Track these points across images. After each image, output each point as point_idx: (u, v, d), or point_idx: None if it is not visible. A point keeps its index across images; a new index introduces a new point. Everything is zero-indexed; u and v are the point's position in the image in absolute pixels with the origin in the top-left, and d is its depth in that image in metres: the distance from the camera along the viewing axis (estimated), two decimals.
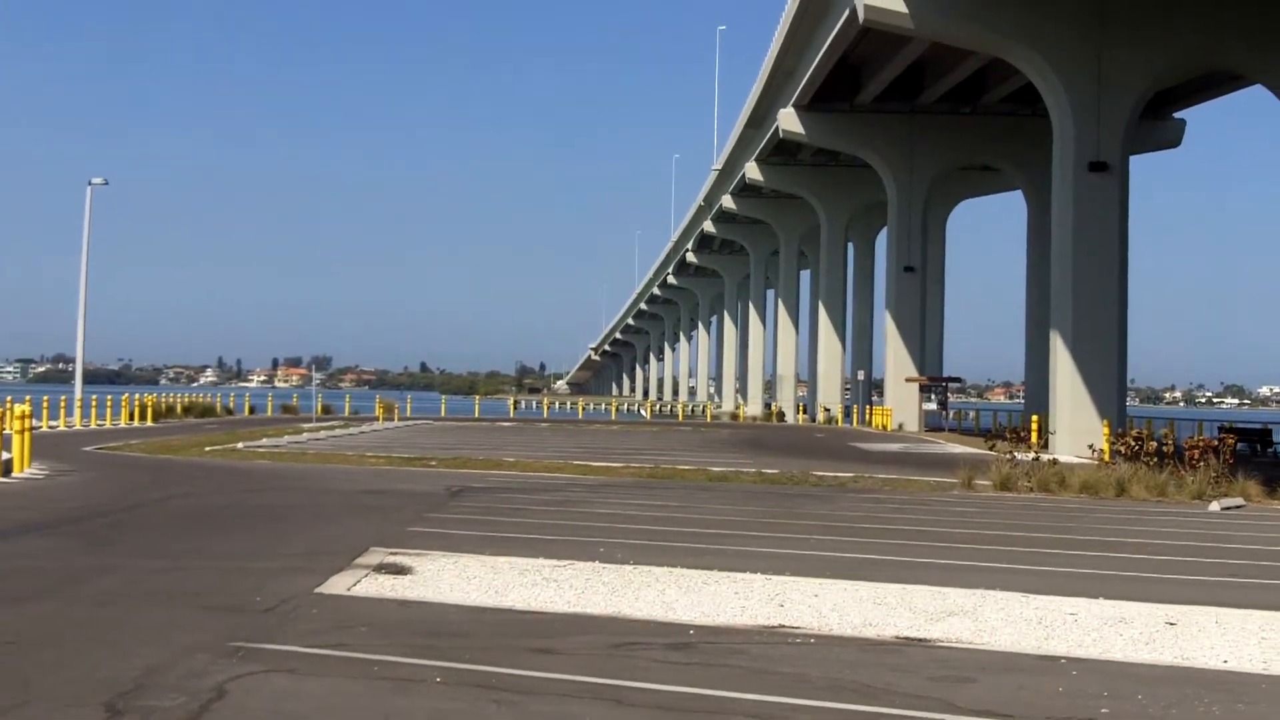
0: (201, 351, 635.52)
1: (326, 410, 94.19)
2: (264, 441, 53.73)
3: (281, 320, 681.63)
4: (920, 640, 15.09)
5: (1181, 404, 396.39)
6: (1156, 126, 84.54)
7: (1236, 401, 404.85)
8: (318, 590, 17.56)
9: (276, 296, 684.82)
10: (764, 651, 14.40)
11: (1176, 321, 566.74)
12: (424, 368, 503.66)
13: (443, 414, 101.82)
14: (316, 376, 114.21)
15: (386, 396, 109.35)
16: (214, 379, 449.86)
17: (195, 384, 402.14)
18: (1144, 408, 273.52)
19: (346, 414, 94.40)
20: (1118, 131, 57.25)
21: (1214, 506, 32.97)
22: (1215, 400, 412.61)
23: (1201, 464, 36.65)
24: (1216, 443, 38.28)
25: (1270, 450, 62.33)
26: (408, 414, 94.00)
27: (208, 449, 49.27)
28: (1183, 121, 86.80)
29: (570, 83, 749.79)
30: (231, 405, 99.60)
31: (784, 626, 15.73)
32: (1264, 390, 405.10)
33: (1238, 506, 33.51)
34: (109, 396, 77.64)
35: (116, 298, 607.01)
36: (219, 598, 17.06)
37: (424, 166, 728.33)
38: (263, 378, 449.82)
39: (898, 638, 15.22)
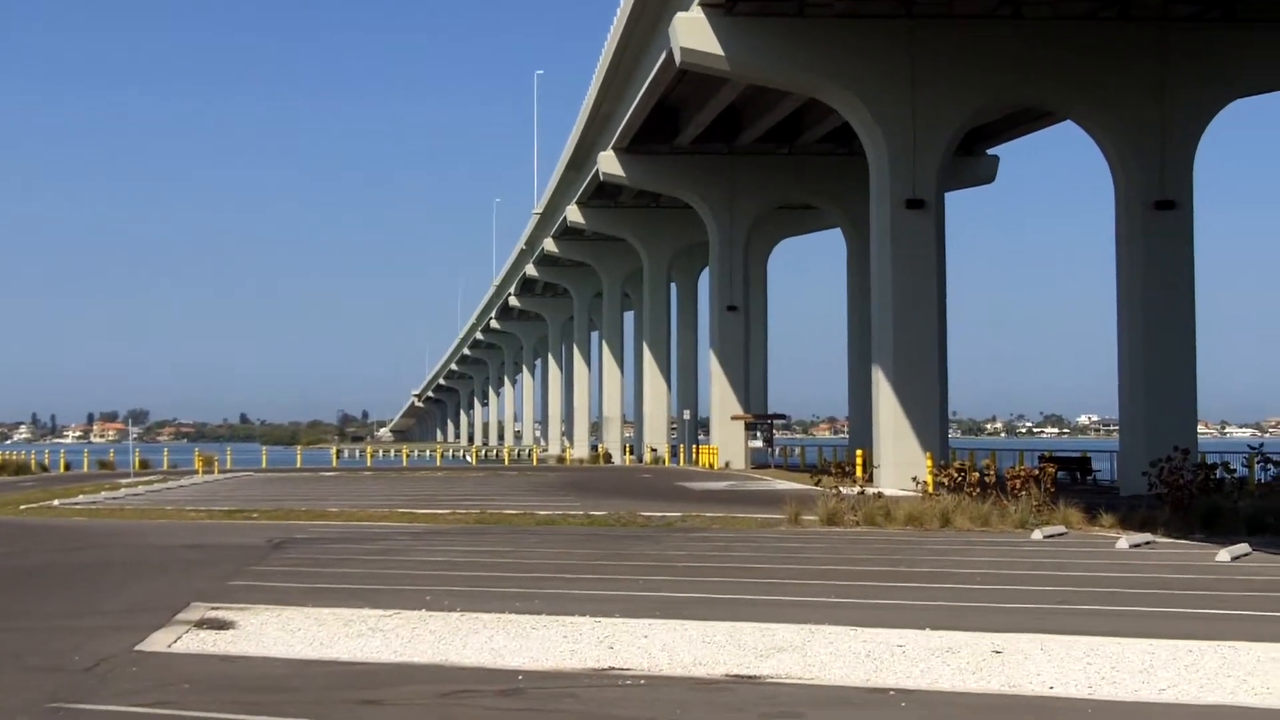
0: (14, 408, 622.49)
1: (144, 465, 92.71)
2: (80, 498, 52.71)
3: (96, 375, 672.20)
4: (750, 677, 15.07)
5: (1003, 434, 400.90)
6: (971, 163, 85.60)
7: (1056, 431, 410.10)
8: (138, 648, 17.24)
9: (90, 351, 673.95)
10: (594, 694, 14.32)
11: (997, 353, 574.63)
12: (244, 419, 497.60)
13: (264, 465, 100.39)
14: (133, 431, 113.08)
15: (206, 449, 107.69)
16: (27, 436, 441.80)
17: (8, 441, 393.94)
18: (966, 439, 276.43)
19: (165, 468, 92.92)
20: (932, 169, 57.90)
21: (1037, 535, 33.35)
22: (1036, 430, 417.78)
23: (1023, 493, 37.06)
24: (1037, 472, 38.70)
25: (1090, 478, 63.19)
26: (228, 466, 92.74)
27: (23, 507, 48.22)
28: (996, 158, 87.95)
29: (386, 125, 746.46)
30: (46, 462, 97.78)
31: (614, 669, 15.64)
32: (1083, 419, 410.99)
33: (1060, 534, 33.90)
34: None
35: None
36: (36, 658, 16.70)
37: (237, 213, 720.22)
38: (78, 434, 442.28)
39: (728, 675, 15.19)
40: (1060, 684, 14.50)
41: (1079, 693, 14.11)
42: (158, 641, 17.73)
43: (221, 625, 18.99)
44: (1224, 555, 27.72)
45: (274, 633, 18.38)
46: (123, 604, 21.67)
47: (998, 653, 16.24)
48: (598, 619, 19.12)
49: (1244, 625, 18.71)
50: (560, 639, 17.56)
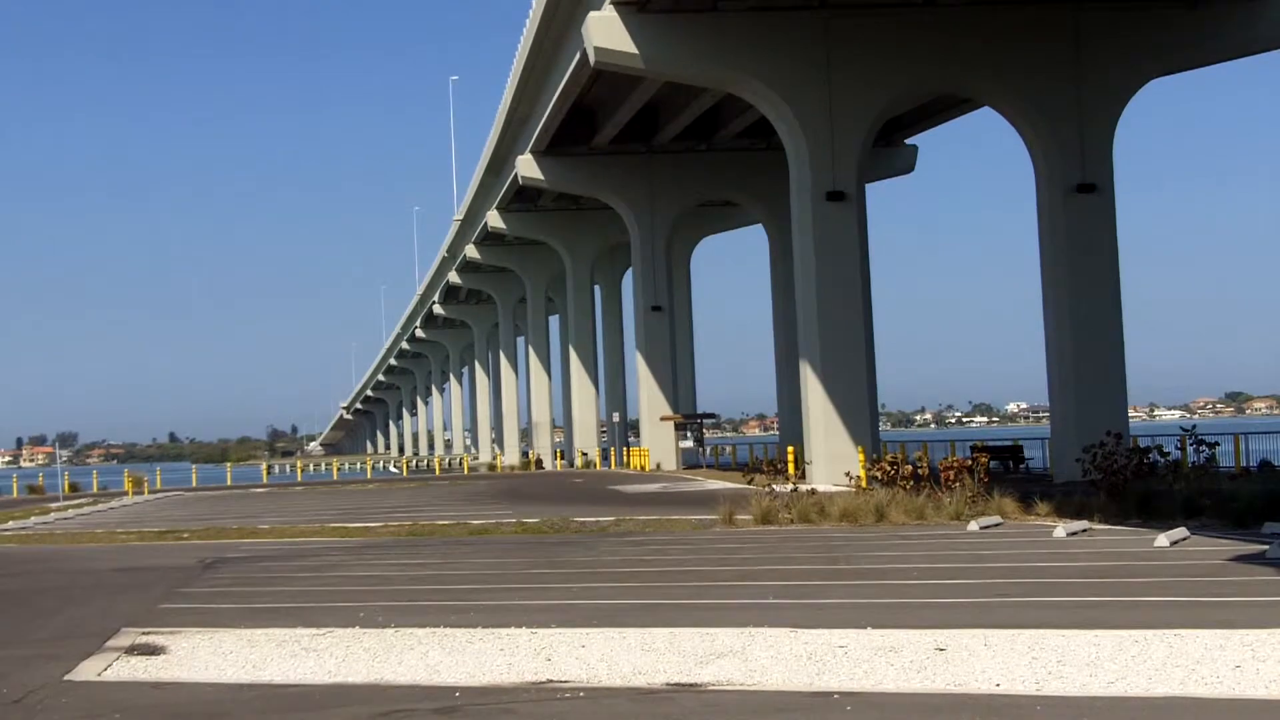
0: None
1: (74, 488, 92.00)
2: (10, 524, 52.16)
3: (24, 398, 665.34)
4: (691, 685, 14.84)
5: (933, 425, 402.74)
6: (890, 154, 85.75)
7: (986, 420, 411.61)
8: (67, 677, 16.92)
9: (17, 374, 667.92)
10: (533, 709, 14.07)
11: (924, 343, 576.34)
12: (173, 438, 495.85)
13: (194, 484, 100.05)
14: (62, 454, 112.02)
15: (136, 470, 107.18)
16: None
17: None
18: (897, 431, 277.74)
19: (95, 490, 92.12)
20: (852, 160, 57.87)
21: (972, 526, 33.24)
22: (965, 420, 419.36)
23: (957, 484, 37.00)
24: (970, 462, 38.65)
25: (1023, 466, 63.23)
26: (158, 486, 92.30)
27: None
28: (915, 148, 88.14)
29: (304, 136, 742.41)
30: None
31: (552, 681, 15.39)
32: (1012, 407, 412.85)
33: (995, 525, 33.82)
34: None
35: None
36: None
37: (158, 232, 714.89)
38: (7, 458, 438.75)
39: (668, 684, 14.95)
40: (1006, 680, 14.30)
41: (1026, 689, 13.91)
42: (87, 670, 17.39)
43: (152, 650, 18.64)
44: (1163, 540, 27.65)
45: (205, 656, 18.05)
46: (52, 631, 21.31)
47: (941, 650, 16.05)
48: (534, 630, 18.86)
49: (1189, 611, 18.60)
50: (497, 652, 17.28)
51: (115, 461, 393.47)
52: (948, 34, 58.18)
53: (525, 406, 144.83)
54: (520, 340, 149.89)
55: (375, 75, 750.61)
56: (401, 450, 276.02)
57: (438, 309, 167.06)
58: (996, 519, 34.54)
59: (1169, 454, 40.06)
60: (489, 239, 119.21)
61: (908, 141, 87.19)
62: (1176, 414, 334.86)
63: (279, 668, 17.04)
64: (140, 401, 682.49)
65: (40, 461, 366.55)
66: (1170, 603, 19.68)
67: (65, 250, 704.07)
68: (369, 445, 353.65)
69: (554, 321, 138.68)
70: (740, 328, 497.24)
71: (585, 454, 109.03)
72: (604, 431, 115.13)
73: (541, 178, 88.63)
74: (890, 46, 58.21)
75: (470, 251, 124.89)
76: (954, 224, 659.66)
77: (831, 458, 55.22)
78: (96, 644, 19.35)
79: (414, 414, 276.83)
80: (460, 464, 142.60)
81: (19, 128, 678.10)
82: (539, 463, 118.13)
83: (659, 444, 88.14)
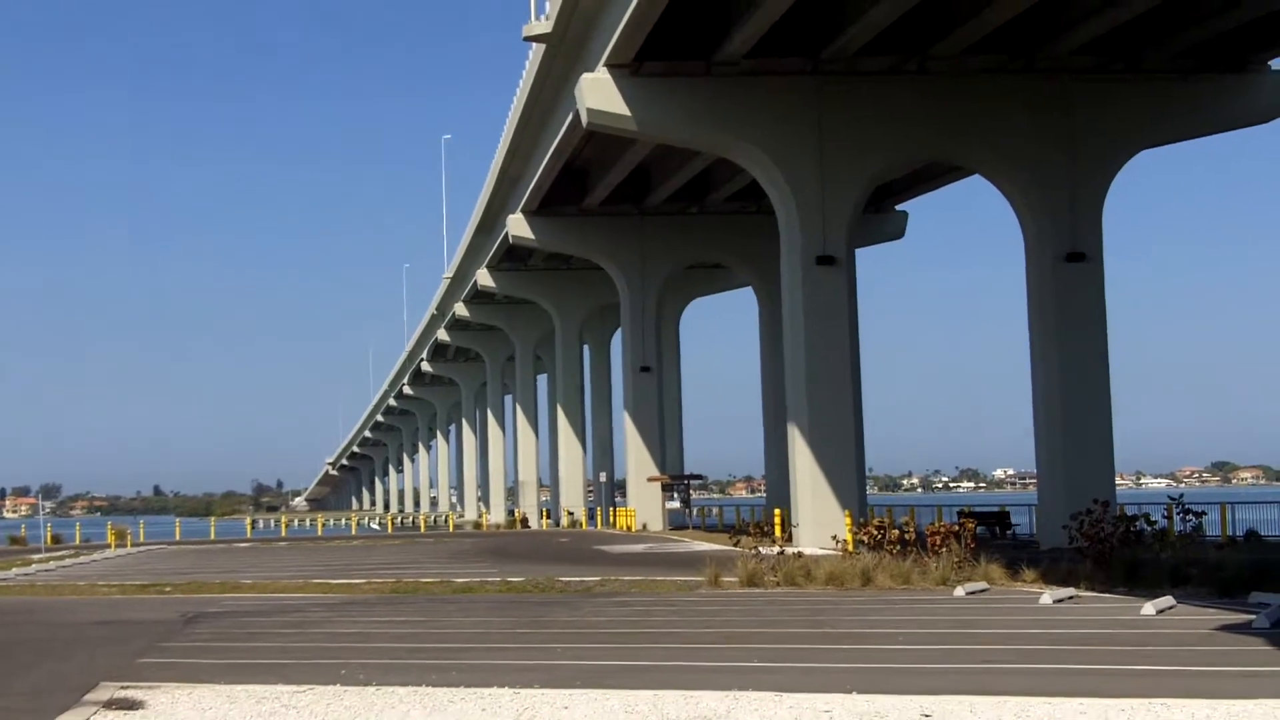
0: None
1: (56, 539, 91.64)
2: None
3: (8, 449, 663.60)
4: None
5: (919, 490, 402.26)
6: (880, 219, 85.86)
7: (973, 485, 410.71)
8: None
9: (1, 425, 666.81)
10: None
11: (912, 408, 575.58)
12: (158, 491, 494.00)
13: (178, 537, 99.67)
14: (45, 505, 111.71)
15: (119, 522, 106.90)
16: None
17: None
18: (883, 495, 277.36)
19: (77, 542, 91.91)
20: (842, 225, 57.90)
21: (959, 592, 33.10)
22: (952, 485, 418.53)
23: (944, 549, 36.85)
24: (957, 528, 38.54)
25: (1010, 532, 63.06)
26: (141, 539, 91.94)
27: None
28: (905, 214, 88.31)
29: (294, 190, 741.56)
30: None
31: None
32: (999, 473, 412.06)
33: (982, 591, 33.68)
34: None
35: None
36: None
37: (148, 282, 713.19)
38: None
39: None
40: None
41: None
42: None
43: (131, 705, 18.51)
44: (1149, 609, 27.54)
45: (184, 712, 17.94)
46: (30, 685, 21.16)
47: (927, 716, 15.97)
48: (517, 690, 18.73)
49: (1175, 681, 18.49)
50: (478, 712, 17.17)
51: (99, 514, 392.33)
52: (939, 102, 58.33)
53: (512, 465, 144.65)
54: (508, 399, 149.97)
55: (367, 132, 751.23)
56: (387, 507, 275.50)
57: (426, 366, 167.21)
58: (983, 585, 34.41)
59: (1156, 522, 40.03)
60: (478, 297, 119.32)
61: (898, 207, 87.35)
62: (1163, 482, 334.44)
63: None
64: (125, 454, 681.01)
65: (23, 512, 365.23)
66: (1156, 672, 19.57)
67: (51, 301, 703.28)
68: (354, 501, 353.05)
69: (542, 381, 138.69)
70: (729, 389, 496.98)
71: (571, 513, 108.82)
72: (591, 491, 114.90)
73: (532, 237, 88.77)
74: (882, 113, 58.36)
75: (459, 309, 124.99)
76: (943, 289, 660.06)
77: (818, 521, 55.06)
78: (74, 698, 19.21)
79: (400, 471, 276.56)
80: (445, 522, 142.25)
81: (5, 175, 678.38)
82: (524, 521, 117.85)
83: (646, 504, 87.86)
